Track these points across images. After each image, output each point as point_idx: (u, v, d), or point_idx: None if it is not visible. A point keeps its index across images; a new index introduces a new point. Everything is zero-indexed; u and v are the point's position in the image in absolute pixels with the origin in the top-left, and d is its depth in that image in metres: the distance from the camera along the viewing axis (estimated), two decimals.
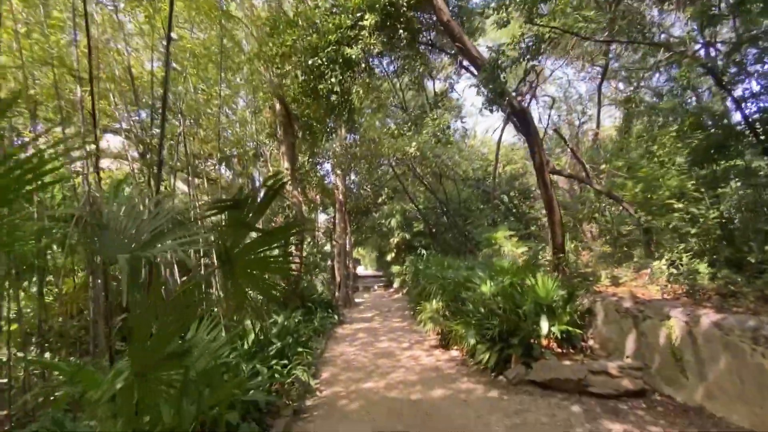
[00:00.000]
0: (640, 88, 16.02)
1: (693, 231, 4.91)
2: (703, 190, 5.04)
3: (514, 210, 20.01)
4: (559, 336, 5.71)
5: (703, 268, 4.51)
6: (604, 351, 5.74)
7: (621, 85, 18.92)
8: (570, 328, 5.67)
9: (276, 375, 4.89)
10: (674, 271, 5.24)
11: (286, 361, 5.40)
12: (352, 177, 24.06)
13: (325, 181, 19.22)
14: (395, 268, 20.34)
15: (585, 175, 9.65)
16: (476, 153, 21.72)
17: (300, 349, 5.95)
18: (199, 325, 2.71)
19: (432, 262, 13.48)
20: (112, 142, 8.40)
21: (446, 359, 6.99)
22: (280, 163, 11.12)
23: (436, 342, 8.30)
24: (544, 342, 5.79)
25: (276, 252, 2.51)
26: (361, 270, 41.88)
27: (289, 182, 10.14)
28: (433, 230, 18.82)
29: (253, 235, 1.95)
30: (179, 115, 5.37)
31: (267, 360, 5.12)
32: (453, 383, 5.65)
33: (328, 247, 24.79)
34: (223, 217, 2.01)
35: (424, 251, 19.48)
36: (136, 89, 5.39)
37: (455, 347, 7.40)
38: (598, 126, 15.88)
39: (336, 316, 10.97)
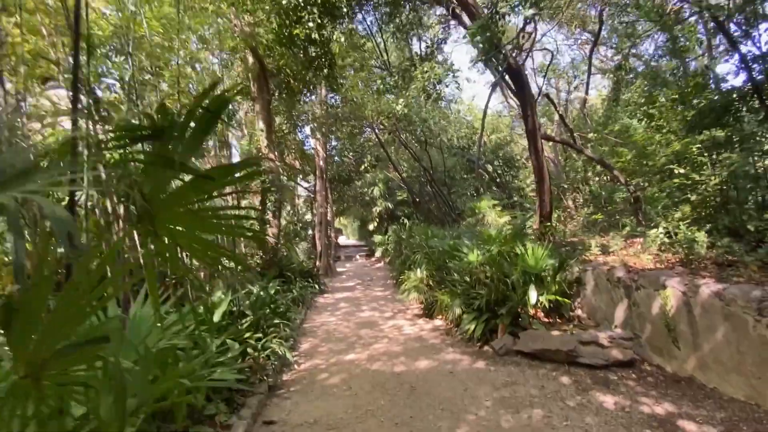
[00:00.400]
0: (630, 56, 15.64)
1: (693, 198, 4.67)
2: (706, 154, 4.76)
3: (497, 179, 19.82)
4: (547, 306, 5.53)
5: (701, 236, 4.30)
6: (593, 320, 5.63)
7: (609, 53, 18.49)
8: (559, 298, 5.50)
9: (249, 350, 4.51)
10: (667, 240, 5.06)
11: (261, 335, 5.02)
12: (334, 143, 23.29)
13: (305, 147, 18.40)
14: (377, 238, 20.09)
15: (574, 143, 9.32)
16: (461, 120, 21.11)
17: (277, 321, 5.58)
18: (145, 300, 2.23)
19: (416, 231, 13.21)
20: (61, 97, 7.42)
21: (430, 329, 6.80)
22: (255, 124, 10.33)
23: (419, 311, 8.12)
24: (532, 312, 5.61)
25: (228, 208, 2.02)
26: (343, 240, 41.68)
27: (265, 145, 9.45)
28: (417, 200, 18.49)
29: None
30: (128, 59, 4.59)
31: (240, 334, 4.72)
32: (438, 354, 5.45)
33: (309, 217, 24.24)
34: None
35: (407, 221, 19.25)
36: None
37: (439, 317, 7.22)
38: (587, 93, 15.50)
39: (317, 286, 10.66)
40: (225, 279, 5.11)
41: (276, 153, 10.51)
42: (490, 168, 20.89)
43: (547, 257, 5.71)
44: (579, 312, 5.86)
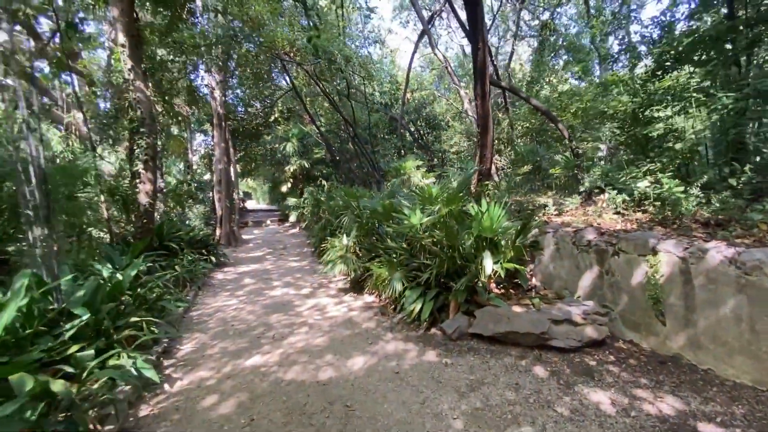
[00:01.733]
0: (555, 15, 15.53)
1: (678, 147, 3.98)
2: (712, 91, 4.03)
3: (420, 140, 18.97)
4: (503, 275, 4.59)
5: (694, 190, 3.59)
6: (550, 291, 4.89)
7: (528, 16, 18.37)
8: (518, 266, 4.58)
9: (74, 374, 2.65)
10: (639, 196, 4.41)
11: (102, 344, 3.14)
12: (238, 92, 19.90)
13: (198, 91, 14.99)
14: (291, 201, 17.98)
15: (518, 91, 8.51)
16: (383, 72, 19.45)
17: (135, 319, 3.67)
18: None
19: (337, 193, 11.66)
20: None
21: (361, 307, 5.51)
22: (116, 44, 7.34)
23: (345, 285, 6.78)
24: (487, 284, 4.64)
25: None
26: (252, 204, 37.84)
27: (129, 67, 6.73)
28: (337, 158, 16.68)
29: None
30: None
31: (57, 351, 2.80)
32: (376, 343, 4.18)
33: (208, 177, 20.71)
34: None
35: (324, 182, 17.44)
36: None
37: (371, 292, 5.97)
38: (513, 46, 15.09)
39: (213, 258, 8.54)
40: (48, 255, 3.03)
41: (149, 84, 7.73)
42: (412, 128, 19.92)
43: (503, 218, 4.71)
44: (534, 281, 5.09)
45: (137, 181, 7.03)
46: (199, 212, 13.61)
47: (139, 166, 6.94)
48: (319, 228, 9.27)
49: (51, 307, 3.17)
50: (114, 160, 13.17)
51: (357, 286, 6.39)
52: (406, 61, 19.42)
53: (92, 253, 5.08)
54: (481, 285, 4.47)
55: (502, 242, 4.78)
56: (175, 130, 18.63)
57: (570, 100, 7.33)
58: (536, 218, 5.20)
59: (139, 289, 4.31)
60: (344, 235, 6.71)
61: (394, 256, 5.23)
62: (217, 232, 13.24)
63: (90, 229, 5.33)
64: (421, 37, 17.32)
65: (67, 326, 2.99)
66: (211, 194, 16.28)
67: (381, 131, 19.13)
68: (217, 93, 11.99)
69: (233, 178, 16.45)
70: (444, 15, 20.77)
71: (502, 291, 4.88)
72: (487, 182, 7.20)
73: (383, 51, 19.53)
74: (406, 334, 4.39)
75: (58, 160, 5.85)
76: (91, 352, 2.89)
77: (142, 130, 6.87)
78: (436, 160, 18.13)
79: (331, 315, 5.27)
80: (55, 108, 11.37)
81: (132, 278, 4.19)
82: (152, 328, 3.79)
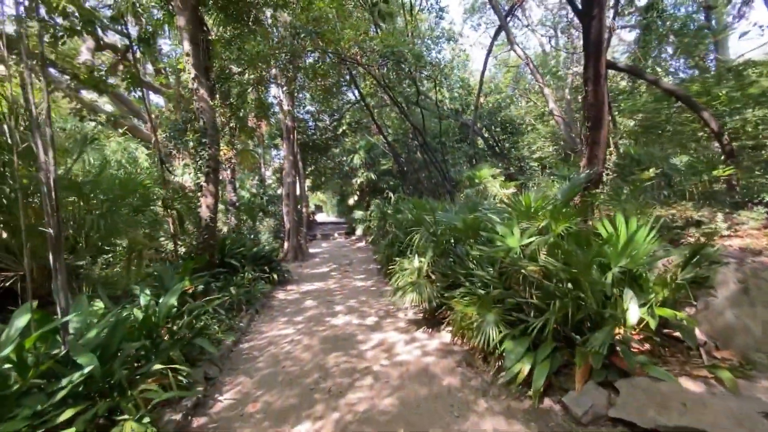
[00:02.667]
0: None
1: None
2: None
3: (495, 147, 17.30)
4: (652, 326, 3.09)
5: None
6: (728, 353, 3.24)
7: None
8: (680, 314, 3.06)
9: None
10: None
11: (104, 405, 2.40)
12: (308, 107, 20.17)
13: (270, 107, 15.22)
14: (358, 214, 17.46)
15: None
16: (454, 77, 18.26)
17: (158, 366, 2.93)
18: None
19: (404, 205, 10.70)
20: None
21: (438, 351, 4.33)
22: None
23: (416, 316, 5.65)
24: (627, 337, 3.18)
25: None
26: (322, 216, 38.78)
27: (193, 77, 6.51)
28: (404, 168, 15.78)
29: None
30: None
31: (41, 415, 2.10)
32: (465, 416, 2.98)
33: (282, 191, 21.25)
34: None
35: (391, 194, 16.65)
36: None
37: (449, 329, 4.77)
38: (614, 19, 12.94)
39: (276, 275, 8.00)
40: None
41: (215, 95, 7.54)
42: (485, 134, 18.34)
43: (653, 242, 3.22)
44: (700, 335, 3.47)
45: (199, 194, 6.74)
46: (268, 225, 13.61)
47: (201, 179, 6.64)
48: (386, 244, 8.32)
49: (55, 351, 2.54)
50: (183, 172, 13.73)
51: (432, 319, 5.23)
52: (477, 68, 18.05)
53: (139, 275, 4.64)
54: (622, 340, 3.04)
55: (650, 277, 3.29)
56: (249, 144, 19.37)
57: (719, 83, 5.45)
58: (711, 243, 3.56)
59: (178, 321, 3.64)
60: (415, 255, 5.62)
61: (480, 286, 3.99)
62: (285, 245, 13.05)
63: (140, 247, 4.93)
64: (497, 33, 15.86)
65: (64, 381, 2.29)
66: (281, 208, 16.45)
67: (450, 139, 17.87)
68: (285, 105, 11.85)
69: (302, 192, 16.45)
70: (519, 13, 19.07)
71: (648, 348, 3.35)
72: (596, 190, 5.66)
73: (455, 51, 18.34)
74: (507, 405, 3.11)
75: (119, 173, 5.65)
76: (100, 406, 2.14)
77: (204, 140, 6.57)
78: (512, 168, 16.31)
79: (402, 359, 4.16)
80: (144, 125, 12.15)
81: (169, 307, 3.54)
82: (181, 377, 3.03)
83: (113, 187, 4.61)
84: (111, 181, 4.61)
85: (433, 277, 5.44)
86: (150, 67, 13.17)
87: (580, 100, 13.24)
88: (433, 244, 5.32)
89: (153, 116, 7.95)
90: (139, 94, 7.04)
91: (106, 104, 13.17)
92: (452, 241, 5.54)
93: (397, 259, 6.47)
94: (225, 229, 12.07)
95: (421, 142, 12.55)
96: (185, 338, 3.46)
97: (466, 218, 4.93)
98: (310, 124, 21.03)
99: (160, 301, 3.54)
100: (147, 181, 5.40)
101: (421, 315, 5.56)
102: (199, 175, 6.67)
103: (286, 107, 11.82)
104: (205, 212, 6.60)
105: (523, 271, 3.63)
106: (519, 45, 13.78)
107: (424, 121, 13.83)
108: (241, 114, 10.84)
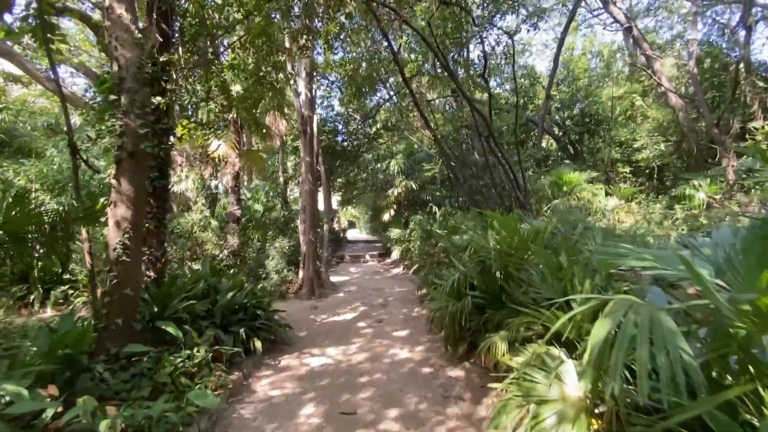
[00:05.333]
0: None
1: None
2: None
3: (574, 145, 13.45)
4: None
5: None
6: None
7: None
8: None
9: None
10: None
11: None
12: (336, 108, 17.41)
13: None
14: (395, 232, 14.05)
15: None
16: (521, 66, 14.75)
17: None
18: None
19: (471, 221, 7.35)
20: None
21: None
22: None
23: None
24: None
25: None
26: (353, 234, 35.47)
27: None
28: (455, 175, 12.26)
29: None
30: None
31: None
32: None
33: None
34: None
35: (435, 207, 13.19)
36: None
37: None
38: None
39: (260, 342, 4.68)
40: None
41: (161, 29, 4.55)
42: (557, 131, 14.53)
43: None
44: None
45: (107, 201, 3.63)
46: (281, 247, 10.55)
47: (110, 172, 3.56)
48: (448, 293, 4.78)
49: None
50: (180, 178, 10.97)
51: None
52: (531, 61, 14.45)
53: None
54: None
55: None
56: (257, 145, 16.66)
57: None
58: None
59: None
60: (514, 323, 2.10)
61: None
62: (300, 274, 9.88)
63: None
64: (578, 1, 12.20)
65: None
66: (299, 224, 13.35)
67: (505, 137, 14.21)
68: (301, 86, 8.87)
69: (327, 205, 13.40)
70: None
71: None
72: None
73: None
74: None
75: None
76: None
77: (118, 99, 3.52)
78: (596, 172, 12.35)
79: None
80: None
81: None
82: None
83: None
84: None
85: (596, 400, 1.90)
86: None
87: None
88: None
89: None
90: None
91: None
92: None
93: (492, 338, 2.95)
94: (220, 253, 9.10)
95: (485, 135, 9.05)
96: None
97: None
98: (340, 127, 18.21)
99: None
100: None
101: None
102: (111, 167, 3.60)
103: (302, 88, 8.82)
104: (113, 236, 3.47)
105: None
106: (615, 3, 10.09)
107: (491, 109, 10.29)
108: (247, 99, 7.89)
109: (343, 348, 5.34)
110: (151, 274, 4.41)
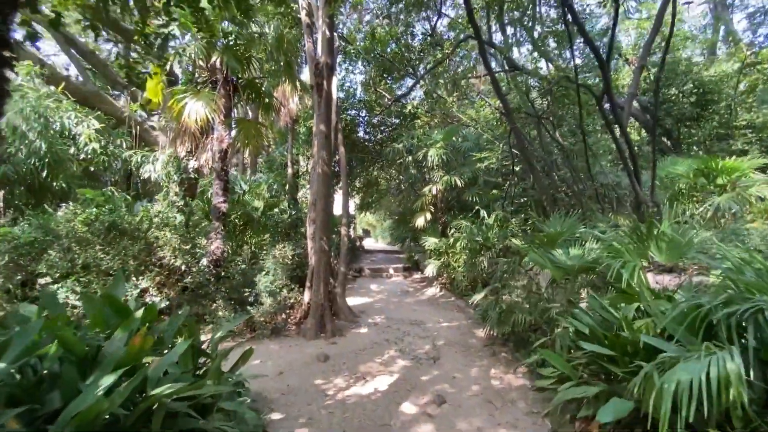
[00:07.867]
0: None
1: None
2: None
3: (669, 133, 10.08)
4: None
5: None
6: None
7: None
8: None
9: None
10: None
11: None
12: (359, 91, 14.75)
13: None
14: (430, 241, 10.83)
15: None
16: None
17: None
18: None
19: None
20: None
21: None
22: None
23: None
24: None
25: None
26: (370, 243, 32.14)
27: None
28: (530, 164, 8.97)
29: None
30: None
31: None
32: None
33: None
34: None
35: (483, 211, 10.01)
36: None
37: None
38: None
39: None
40: None
41: None
42: (646, 116, 11.22)
43: None
44: None
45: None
46: (281, 257, 7.54)
47: None
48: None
49: None
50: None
51: None
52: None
53: None
54: None
55: None
56: (255, 114, 13.92)
57: None
58: None
59: None
60: None
61: None
62: (306, 296, 6.84)
63: None
64: None
65: None
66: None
67: (569, 126, 10.97)
68: (319, 17, 5.94)
69: (346, 205, 10.42)
70: None
71: None
72: None
73: None
74: None
75: None
76: None
77: None
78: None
79: None
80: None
81: None
82: None
83: None
84: None
85: None
86: None
87: None
88: None
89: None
90: None
91: None
92: None
93: None
94: (183, 264, 6.10)
95: (606, 96, 5.89)
96: None
97: None
98: (362, 115, 15.35)
99: None
100: None
101: None
102: None
103: (319, 23, 5.89)
104: None
105: None
106: None
107: (576, 72, 7.12)
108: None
109: None
110: None
